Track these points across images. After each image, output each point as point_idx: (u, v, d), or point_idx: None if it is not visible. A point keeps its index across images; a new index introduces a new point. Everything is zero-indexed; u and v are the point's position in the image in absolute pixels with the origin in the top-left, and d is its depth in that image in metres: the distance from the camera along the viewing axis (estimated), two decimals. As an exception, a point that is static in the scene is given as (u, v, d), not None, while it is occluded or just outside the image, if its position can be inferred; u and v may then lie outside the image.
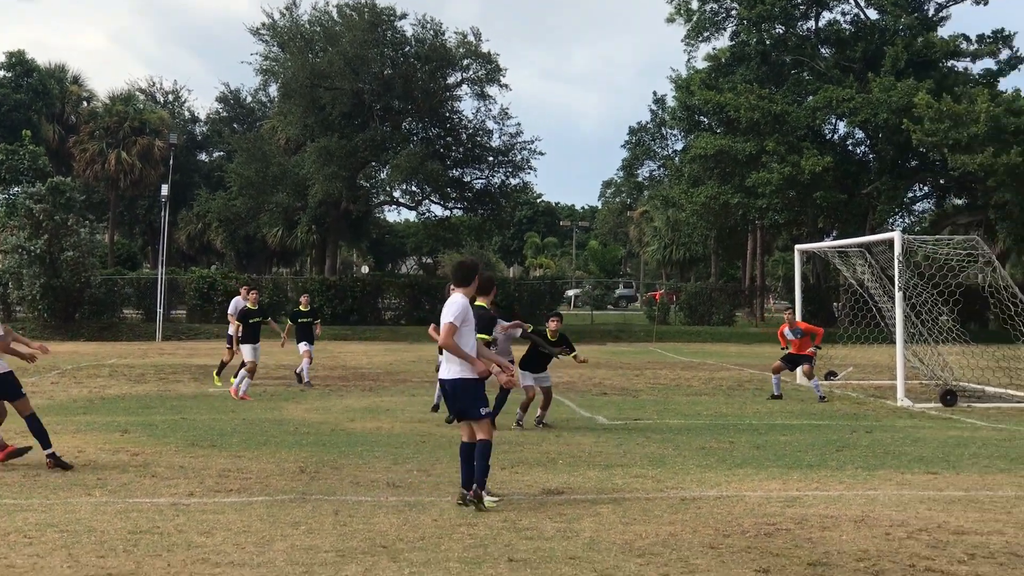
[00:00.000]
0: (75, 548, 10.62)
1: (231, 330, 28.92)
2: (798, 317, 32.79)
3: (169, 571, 9.82)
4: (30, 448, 15.83)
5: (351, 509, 12.63)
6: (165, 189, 62.67)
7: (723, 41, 76.54)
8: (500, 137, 72.97)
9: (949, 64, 71.45)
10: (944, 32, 71.12)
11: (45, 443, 15.50)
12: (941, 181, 72.14)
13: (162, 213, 65.75)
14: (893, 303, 28.26)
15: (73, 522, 11.78)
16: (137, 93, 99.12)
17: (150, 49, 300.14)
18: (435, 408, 23.22)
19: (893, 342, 28.14)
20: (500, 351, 20.21)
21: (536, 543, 11.00)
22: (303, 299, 31.64)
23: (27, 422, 15.51)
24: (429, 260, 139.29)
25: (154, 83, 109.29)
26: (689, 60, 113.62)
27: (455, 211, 76.83)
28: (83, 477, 14.69)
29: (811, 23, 74.96)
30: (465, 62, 70.36)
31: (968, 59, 72.05)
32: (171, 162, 68.80)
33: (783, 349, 28.88)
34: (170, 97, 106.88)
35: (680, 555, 10.56)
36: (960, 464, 16.57)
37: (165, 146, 79.19)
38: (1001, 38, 71.23)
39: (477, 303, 14.99)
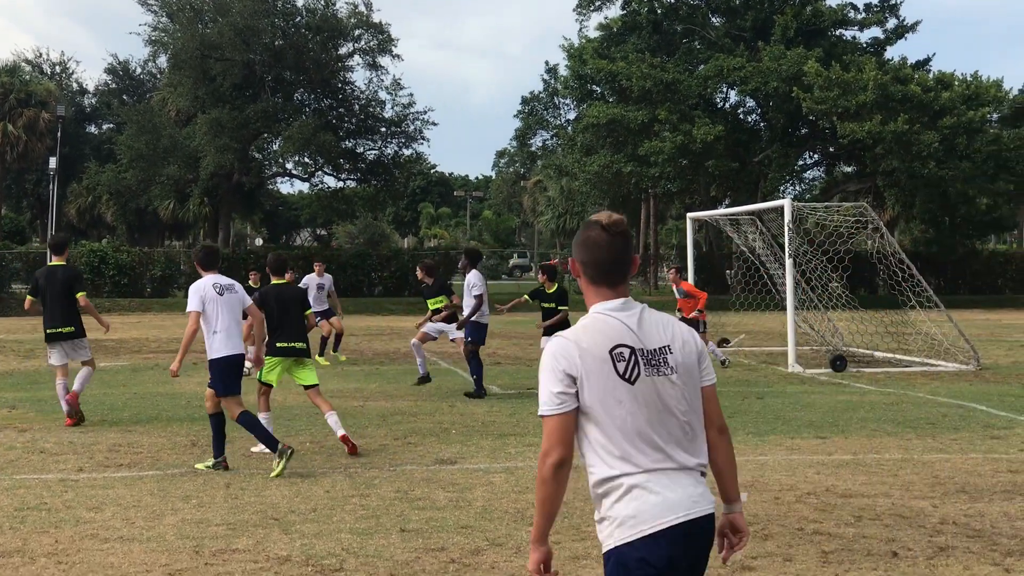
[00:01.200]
0: (-40, 526, 10.48)
1: (317, 307, 27.46)
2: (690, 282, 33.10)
3: (56, 547, 9.72)
4: None
5: (243, 482, 12.58)
6: (53, 162, 61.95)
7: (615, 10, 76.76)
8: (393, 108, 72.90)
9: (838, 33, 72.29)
10: (832, 1, 71.83)
11: None
12: (831, 149, 72.95)
13: (51, 186, 64.92)
14: (784, 270, 28.53)
15: (-42, 500, 11.63)
16: (23, 64, 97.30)
17: (36, 19, 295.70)
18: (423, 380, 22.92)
19: (784, 309, 28.43)
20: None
21: (428, 513, 11.01)
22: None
23: None
24: (323, 232, 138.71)
25: (40, 54, 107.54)
26: (581, 29, 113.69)
27: (348, 182, 76.62)
28: (-31, 454, 14.49)
29: (702, -8, 75.36)
30: (356, 32, 70.11)
31: (856, 28, 72.99)
32: (59, 134, 68.04)
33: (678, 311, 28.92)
34: (57, 68, 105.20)
35: (572, 523, 10.61)
36: (849, 428, 16.78)
37: (52, 118, 77.98)
38: (888, 7, 72.15)
39: (277, 282, 15.54)
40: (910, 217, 78.10)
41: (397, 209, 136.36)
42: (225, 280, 13.98)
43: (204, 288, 13.66)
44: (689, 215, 37.02)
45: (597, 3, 75.39)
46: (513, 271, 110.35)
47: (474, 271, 22.21)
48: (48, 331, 17.87)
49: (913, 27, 72.72)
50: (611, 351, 4.97)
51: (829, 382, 24.16)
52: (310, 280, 28.46)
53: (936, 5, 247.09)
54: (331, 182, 76.31)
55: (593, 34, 77.64)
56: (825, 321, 30.88)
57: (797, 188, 77.13)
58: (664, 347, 5.06)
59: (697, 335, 5.23)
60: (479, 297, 21.71)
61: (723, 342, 33.26)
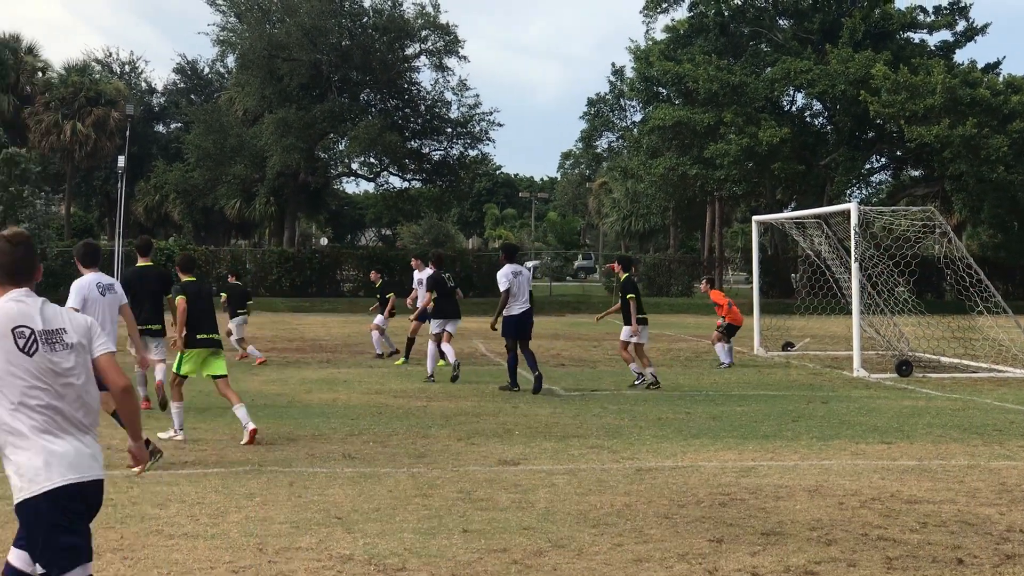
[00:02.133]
0: (28, 521, 10.56)
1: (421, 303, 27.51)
2: (755, 287, 33.04)
3: (122, 543, 9.79)
4: None
5: (306, 480, 12.61)
6: (122, 160, 62.41)
7: (682, 12, 76.54)
8: (458, 108, 73.05)
9: (906, 36, 71.74)
10: (901, 3, 71.51)
11: None
12: (898, 152, 72.47)
13: (119, 185, 65.41)
14: (850, 274, 28.36)
15: (26, 495, 11.71)
16: (93, 63, 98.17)
17: (106, 19, 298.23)
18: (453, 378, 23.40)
19: (850, 313, 28.24)
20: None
21: (491, 514, 11.01)
22: (373, 274, 33.39)
23: None
24: (388, 232, 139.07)
25: (110, 53, 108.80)
26: (648, 31, 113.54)
27: (414, 183, 76.83)
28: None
29: (769, -6, 75.03)
30: (423, 33, 70.27)
31: (925, 31, 72.37)
32: (128, 133, 68.55)
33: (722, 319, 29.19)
34: (126, 68, 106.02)
35: (634, 525, 10.59)
36: (914, 434, 16.66)
37: (121, 117, 78.55)
38: (957, 9, 71.50)
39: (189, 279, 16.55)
40: (978, 222, 77.38)
41: (462, 210, 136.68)
42: (106, 279, 14.42)
43: (88, 287, 13.98)
44: (755, 218, 36.83)
45: (664, 5, 75.16)
46: (578, 273, 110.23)
47: (506, 265, 22.66)
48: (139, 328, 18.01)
49: (983, 30, 72.11)
50: (13, 329, 6.15)
51: (894, 387, 23.99)
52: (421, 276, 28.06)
53: (1007, 7, 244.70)
54: (396, 182, 76.63)
55: (660, 36, 77.51)
56: (891, 326, 30.69)
57: (864, 192, 76.58)
58: (60, 329, 6.31)
59: (89, 318, 6.70)
60: (506, 291, 22.20)
61: (787, 345, 33.11)
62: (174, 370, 16.09)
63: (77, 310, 12.91)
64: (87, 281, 13.93)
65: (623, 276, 24.02)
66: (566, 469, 13.49)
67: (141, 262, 19.23)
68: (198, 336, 15.91)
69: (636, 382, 23.23)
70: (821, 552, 9.67)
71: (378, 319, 30.27)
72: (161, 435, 15.17)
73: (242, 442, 15.17)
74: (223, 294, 30.37)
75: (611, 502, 11.56)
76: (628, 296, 23.27)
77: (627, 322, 23.17)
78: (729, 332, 28.96)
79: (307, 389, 22.24)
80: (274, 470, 13.23)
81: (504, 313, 22.36)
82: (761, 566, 9.23)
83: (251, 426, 15.26)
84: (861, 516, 11.04)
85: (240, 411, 15.42)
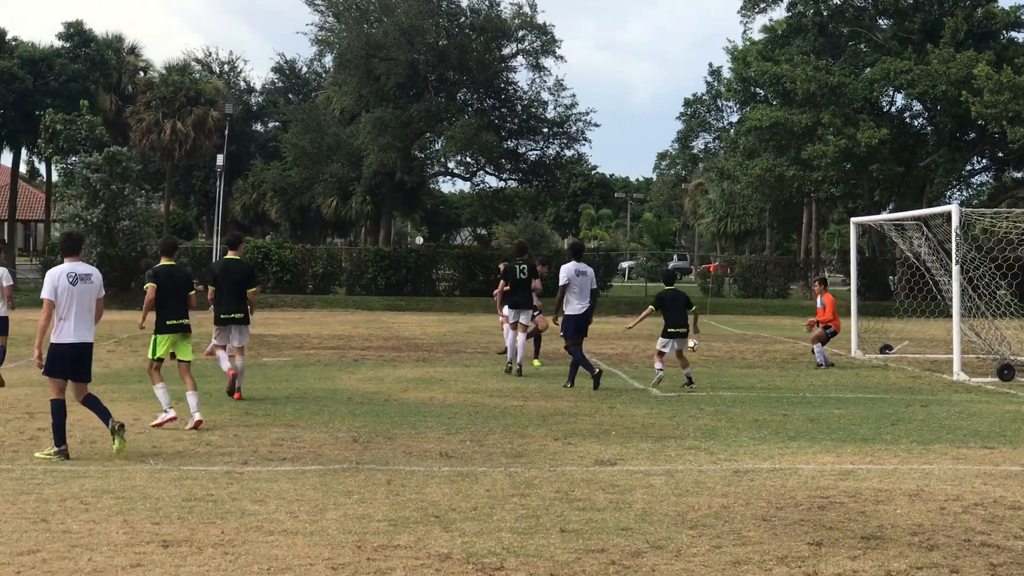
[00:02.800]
0: (130, 515, 10.71)
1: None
2: (853, 289, 32.82)
3: (223, 538, 9.89)
4: None
5: (403, 479, 12.67)
6: (220, 159, 63.05)
7: (780, 12, 75.97)
8: (555, 108, 72.99)
9: (1010, 35, 70.75)
10: (1005, 2, 70.45)
11: None
12: (1000, 154, 71.46)
13: (217, 183, 66.08)
14: (950, 277, 28.04)
15: (129, 489, 11.88)
16: (193, 63, 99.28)
17: (206, 19, 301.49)
18: (517, 372, 23.66)
19: (950, 316, 27.91)
20: None
21: (588, 514, 11.00)
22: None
23: None
24: (484, 231, 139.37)
25: (210, 53, 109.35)
26: (745, 31, 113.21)
27: (510, 182, 76.89)
28: (139, 445, 14.80)
29: (869, -6, 74.35)
30: (520, 33, 70.31)
31: (1030, 30, 71.37)
32: (226, 132, 69.21)
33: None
34: (225, 67, 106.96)
35: (733, 527, 10.54)
36: (1017, 439, 16.45)
37: (220, 116, 79.33)
38: (1065, 8, 70.45)
39: (167, 263, 17.65)
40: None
41: (558, 210, 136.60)
42: (83, 268, 14.52)
43: (58, 277, 14.18)
44: (853, 220, 36.47)
45: (762, 5, 74.58)
46: (674, 273, 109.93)
47: (572, 263, 23.09)
48: (222, 316, 19.82)
49: (1089, 29, 71.05)
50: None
51: (996, 391, 23.71)
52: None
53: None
54: (492, 182, 76.70)
55: (757, 36, 76.98)
56: (992, 329, 30.30)
57: (964, 193, 75.61)
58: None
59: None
60: (563, 287, 22.71)
61: (885, 348, 32.80)
62: (148, 356, 17.14)
63: (51, 300, 14.05)
64: (60, 270, 14.21)
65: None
66: (663, 470, 13.46)
67: (231, 255, 20.39)
68: (168, 322, 17.08)
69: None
70: (922, 558, 9.57)
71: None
72: (159, 417, 16.48)
73: (187, 427, 16.18)
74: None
75: (709, 503, 11.52)
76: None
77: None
78: (827, 337, 28.99)
79: (403, 388, 22.34)
80: (372, 468, 13.30)
81: (567, 312, 22.74)
82: (861, 570, 9.15)
83: (197, 417, 16.30)
84: (963, 521, 10.92)
85: (192, 399, 16.43)
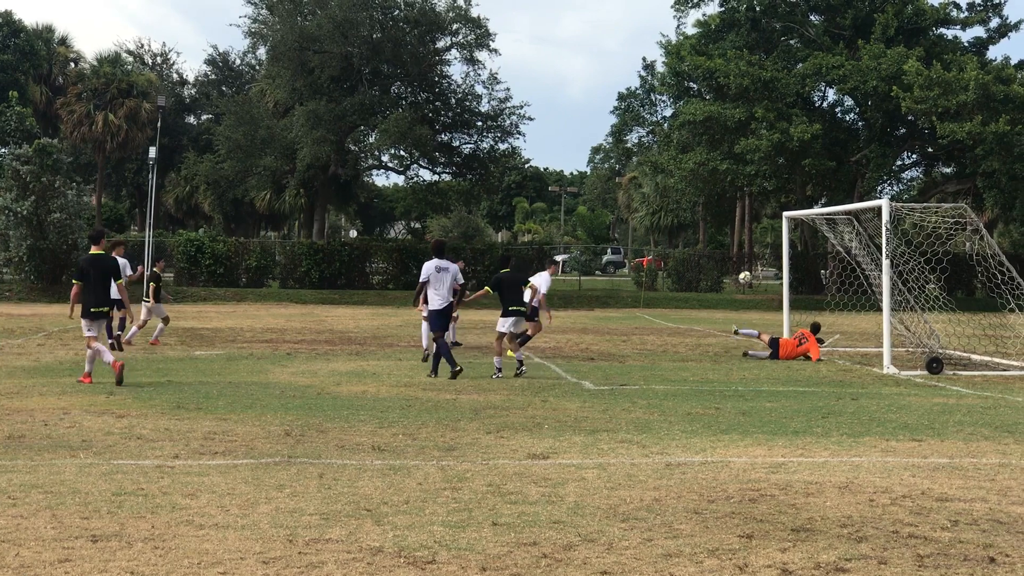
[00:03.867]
0: (59, 509, 10.61)
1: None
2: (785, 283, 33.11)
3: (153, 532, 9.82)
4: None
5: (336, 472, 12.63)
6: (153, 152, 62.70)
7: (713, 7, 76.55)
8: (489, 102, 73.06)
9: (939, 32, 71.54)
10: (934, 0, 71.01)
11: None
12: (930, 149, 72.14)
13: (150, 176, 65.70)
14: (880, 271, 28.27)
15: (58, 483, 11.77)
16: (125, 55, 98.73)
17: (138, 10, 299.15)
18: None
19: (880, 309, 28.15)
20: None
21: (520, 507, 11.00)
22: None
23: None
24: (417, 225, 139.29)
25: (142, 45, 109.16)
26: (679, 26, 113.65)
27: (444, 176, 76.90)
28: (68, 439, 14.67)
29: (801, -11, 74.82)
30: (455, 26, 70.32)
31: (958, 27, 72.10)
32: (159, 124, 68.82)
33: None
34: (158, 59, 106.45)
35: (664, 520, 10.57)
36: (945, 431, 16.60)
37: (153, 108, 78.98)
38: (991, 6, 71.21)
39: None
40: (1010, 219, 77.11)
41: (492, 203, 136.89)
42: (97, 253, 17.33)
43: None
44: (785, 214, 36.69)
45: (695, 0, 75.00)
46: (607, 267, 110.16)
47: (434, 259, 24.12)
48: (92, 309, 20.89)
49: (1016, 26, 71.75)
50: None
51: (925, 384, 23.92)
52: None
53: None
54: (426, 175, 76.71)
55: (691, 31, 77.40)
56: (922, 323, 30.57)
57: (895, 188, 76.40)
58: None
59: None
60: (423, 282, 23.96)
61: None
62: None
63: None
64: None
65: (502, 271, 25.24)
66: (595, 463, 13.49)
67: (94, 250, 21.49)
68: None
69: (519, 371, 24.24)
70: (851, 549, 9.64)
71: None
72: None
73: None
74: (151, 283, 31.46)
75: (641, 496, 11.55)
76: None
77: (502, 314, 24.51)
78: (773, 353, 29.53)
79: (336, 381, 22.29)
80: (304, 462, 13.25)
81: (430, 307, 23.84)
82: (791, 562, 9.20)
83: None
84: (892, 513, 11.00)
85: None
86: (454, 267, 24.11)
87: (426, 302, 24.14)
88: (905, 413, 18.67)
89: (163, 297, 33.66)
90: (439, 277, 23.67)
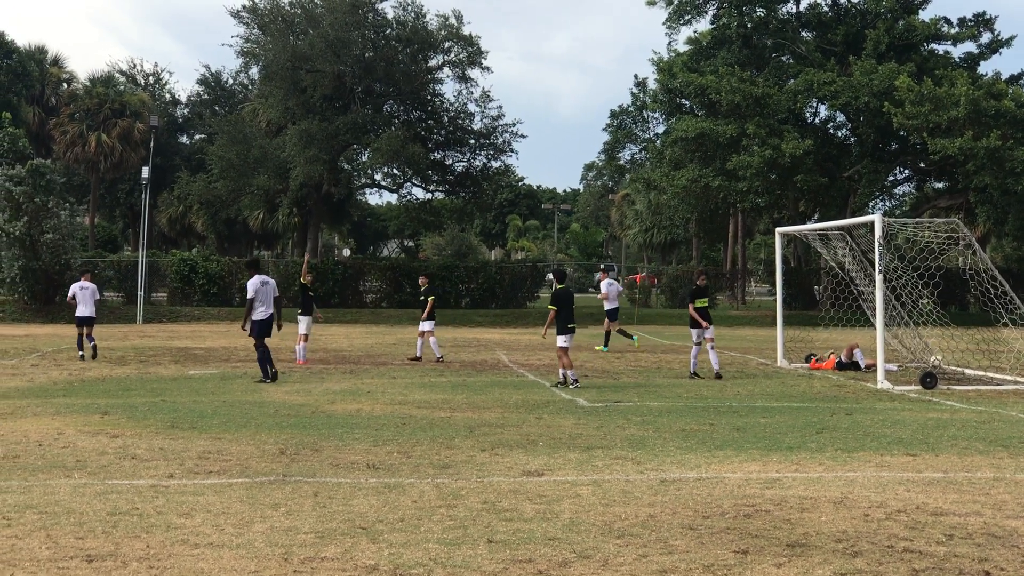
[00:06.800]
0: (54, 529, 10.61)
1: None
2: (778, 299, 33.19)
3: (148, 552, 9.82)
4: None
5: (331, 491, 12.63)
6: (146, 171, 62.59)
7: (704, 24, 76.59)
8: (481, 120, 73.12)
9: (930, 47, 71.62)
10: (925, 15, 71.24)
11: None
12: (921, 165, 72.23)
13: (143, 196, 65.58)
14: (874, 286, 28.30)
15: (52, 504, 11.76)
16: (117, 75, 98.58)
17: (130, 30, 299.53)
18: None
19: (874, 325, 28.19)
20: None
21: (516, 524, 11.00)
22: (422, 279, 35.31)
23: None
24: (411, 243, 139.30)
25: (135, 65, 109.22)
26: (671, 43, 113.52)
27: (437, 194, 76.92)
28: (62, 459, 14.67)
29: (792, 6, 75.04)
30: (447, 45, 70.33)
31: (949, 42, 72.19)
32: (152, 144, 68.80)
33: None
34: (151, 79, 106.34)
35: (659, 536, 10.58)
36: (939, 446, 16.61)
37: (146, 128, 78.86)
38: (982, 22, 71.34)
39: None
40: (1002, 234, 77.11)
41: (485, 221, 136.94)
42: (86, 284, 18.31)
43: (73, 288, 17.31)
44: (778, 230, 36.72)
45: (687, 17, 75.12)
46: (599, 285, 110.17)
47: (255, 276, 26.11)
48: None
49: (1008, 42, 71.91)
50: None
51: (919, 399, 23.93)
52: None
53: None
54: (419, 193, 76.68)
55: (683, 48, 77.62)
56: (916, 338, 30.60)
57: (887, 204, 76.45)
58: None
59: None
60: (251, 299, 25.80)
61: (810, 357, 33.04)
62: None
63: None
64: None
65: (558, 287, 25.79)
66: (590, 480, 13.49)
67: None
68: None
69: (565, 383, 25.29)
70: (847, 564, 9.65)
71: (425, 324, 32.90)
72: None
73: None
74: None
75: (636, 513, 11.56)
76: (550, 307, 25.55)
77: (560, 331, 25.19)
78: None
79: (330, 400, 22.28)
80: (299, 480, 13.25)
81: (253, 317, 25.82)
82: (787, 578, 9.22)
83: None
84: (887, 528, 11.02)
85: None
86: (273, 281, 26.36)
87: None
88: (899, 428, 18.69)
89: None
90: (265, 290, 25.86)
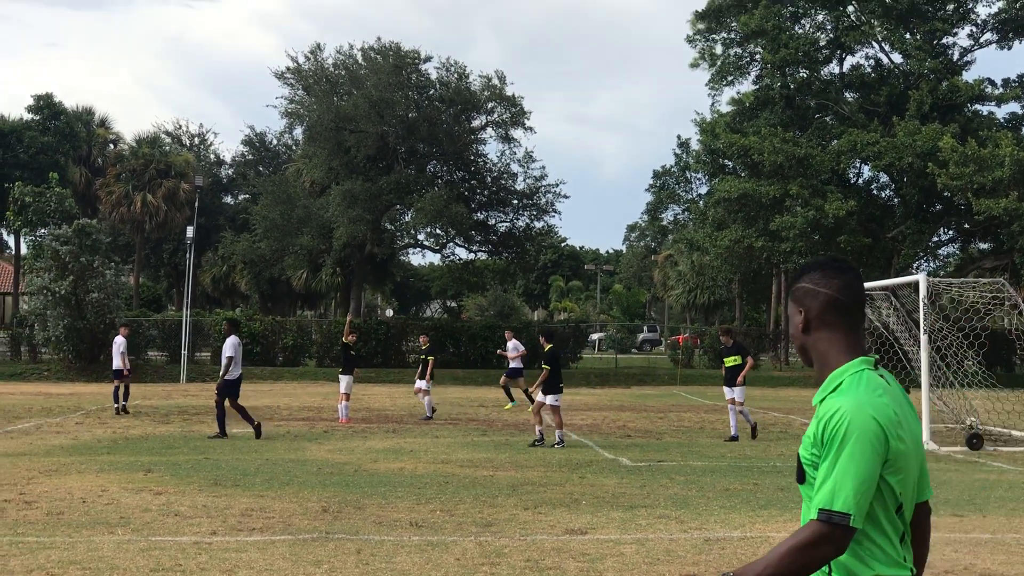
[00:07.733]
0: (97, 585, 10.62)
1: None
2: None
3: (191, 608, 9.82)
4: None
5: (373, 548, 12.60)
6: (190, 231, 62.95)
7: (747, 85, 76.81)
8: (525, 180, 73.08)
9: (974, 108, 71.43)
10: (969, 76, 71.09)
11: None
12: (966, 225, 71.88)
13: (187, 255, 65.97)
14: (919, 346, 28.15)
15: (96, 560, 11.78)
16: (163, 136, 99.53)
17: (176, 92, 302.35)
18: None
19: (919, 385, 28.01)
20: None
21: (559, 583, 10.96)
22: (423, 339, 37.60)
23: None
24: (453, 303, 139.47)
25: (180, 125, 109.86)
26: (713, 104, 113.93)
27: (480, 254, 76.90)
28: (106, 515, 14.69)
29: (835, 67, 75.06)
30: (490, 105, 70.51)
31: (993, 103, 71.99)
32: (196, 204, 69.14)
33: None
34: (196, 140, 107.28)
35: None
36: (986, 507, 16.47)
37: (191, 188, 79.47)
38: (1026, 82, 71.20)
39: None
40: (1048, 295, 76.69)
41: (528, 282, 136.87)
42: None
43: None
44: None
45: (729, 78, 75.29)
46: (643, 345, 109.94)
47: (233, 336, 27.27)
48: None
49: (1052, 102, 71.78)
50: None
51: (965, 460, 23.76)
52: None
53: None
54: (462, 254, 76.67)
55: (725, 108, 77.60)
56: (961, 399, 30.39)
57: (931, 264, 76.04)
58: None
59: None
60: (230, 357, 26.74)
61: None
62: None
63: None
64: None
65: (547, 347, 25.96)
66: (634, 539, 13.43)
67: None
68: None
69: (556, 444, 25.24)
70: (894, 624, 9.55)
71: (421, 383, 34.09)
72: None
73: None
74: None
75: (679, 572, 11.48)
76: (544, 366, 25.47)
77: (548, 391, 25.36)
78: None
79: (373, 458, 22.27)
80: (341, 538, 13.23)
81: (227, 377, 26.70)
82: (833, 637, 9.12)
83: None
84: (934, 588, 10.92)
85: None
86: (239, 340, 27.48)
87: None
88: (946, 489, 18.54)
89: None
90: (240, 351, 27.15)
